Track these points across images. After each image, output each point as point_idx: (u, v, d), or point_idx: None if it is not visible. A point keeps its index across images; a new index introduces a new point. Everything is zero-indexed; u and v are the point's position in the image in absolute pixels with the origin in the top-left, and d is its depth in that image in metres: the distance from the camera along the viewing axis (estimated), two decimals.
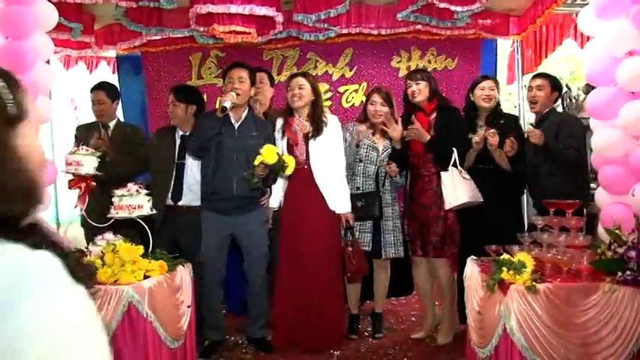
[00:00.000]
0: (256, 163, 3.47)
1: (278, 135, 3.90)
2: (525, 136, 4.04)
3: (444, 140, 3.82)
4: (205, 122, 3.69)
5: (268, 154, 3.45)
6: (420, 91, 3.93)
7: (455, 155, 3.78)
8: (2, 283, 0.71)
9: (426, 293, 4.15)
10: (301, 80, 3.89)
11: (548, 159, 3.81)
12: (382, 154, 4.04)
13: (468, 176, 3.79)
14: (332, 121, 3.97)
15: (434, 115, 3.95)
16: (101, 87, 4.38)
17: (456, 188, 3.74)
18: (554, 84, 4.03)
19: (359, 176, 4.02)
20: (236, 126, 3.72)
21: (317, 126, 3.86)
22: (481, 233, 3.43)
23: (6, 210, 0.80)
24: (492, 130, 3.81)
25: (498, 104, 4.08)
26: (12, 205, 0.81)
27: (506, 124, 3.99)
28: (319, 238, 3.83)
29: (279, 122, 3.96)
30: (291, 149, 3.86)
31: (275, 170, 3.54)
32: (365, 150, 4.01)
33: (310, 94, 3.88)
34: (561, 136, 3.79)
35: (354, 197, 3.96)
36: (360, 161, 4.01)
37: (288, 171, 3.58)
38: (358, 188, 4.00)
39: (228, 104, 3.48)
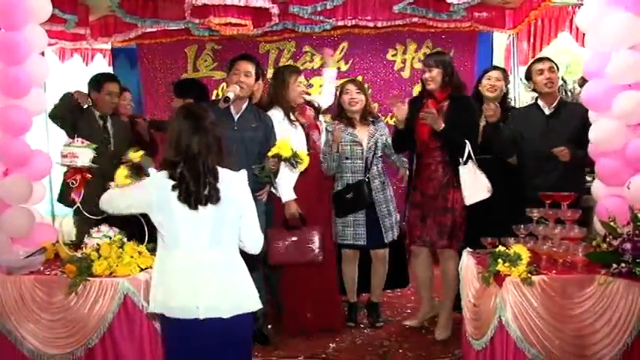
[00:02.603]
0: (270, 155, 3.46)
1: (282, 127, 3.85)
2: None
3: (456, 130, 3.69)
4: None
5: (284, 148, 3.45)
6: (432, 78, 3.79)
7: (468, 148, 3.65)
8: (230, 177, 2.29)
9: (424, 283, 4.11)
10: (302, 78, 4.10)
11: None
12: (369, 143, 4.02)
13: (478, 168, 3.71)
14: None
15: (445, 104, 3.80)
16: (117, 79, 4.38)
17: (476, 185, 3.65)
18: (557, 68, 3.93)
19: (347, 173, 4.02)
20: (235, 118, 3.69)
21: (317, 114, 4.13)
22: (486, 224, 3.41)
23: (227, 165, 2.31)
24: (492, 106, 3.71)
25: (506, 95, 4.03)
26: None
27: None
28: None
29: (280, 114, 3.90)
30: (307, 133, 3.93)
31: (288, 164, 3.57)
32: (349, 147, 3.99)
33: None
34: (587, 130, 3.37)
35: (342, 193, 3.99)
36: (347, 159, 3.99)
37: (301, 167, 3.58)
38: (348, 185, 3.99)
39: (231, 95, 3.45)
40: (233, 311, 2.22)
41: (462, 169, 3.67)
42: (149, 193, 2.27)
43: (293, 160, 3.50)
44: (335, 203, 4.02)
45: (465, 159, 3.66)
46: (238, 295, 2.26)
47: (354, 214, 3.99)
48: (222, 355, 2.26)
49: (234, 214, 2.27)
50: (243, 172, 2.35)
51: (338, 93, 4.20)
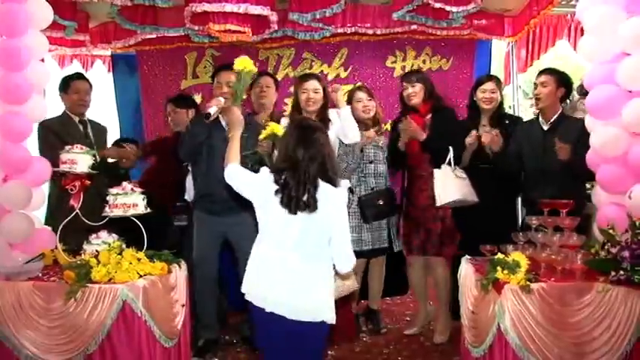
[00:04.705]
0: (262, 137, 3.35)
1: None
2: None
3: (440, 140, 3.83)
4: (195, 128, 3.68)
5: (276, 128, 3.33)
6: (415, 93, 3.97)
7: (450, 154, 3.80)
8: (328, 191, 2.37)
9: (420, 291, 4.20)
10: (317, 84, 3.92)
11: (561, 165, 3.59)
12: (385, 150, 4.08)
13: (463, 175, 3.81)
14: (334, 117, 3.96)
15: (428, 117, 3.96)
16: (86, 78, 4.27)
17: (447, 185, 3.76)
18: (561, 80, 3.77)
19: (371, 177, 4.02)
20: (226, 128, 3.69)
21: (325, 125, 3.77)
22: (477, 231, 3.43)
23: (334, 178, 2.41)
24: (496, 131, 3.81)
25: (501, 104, 4.06)
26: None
27: (510, 125, 3.97)
28: None
29: (284, 122, 3.88)
30: None
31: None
32: (372, 151, 4.02)
33: (322, 98, 3.91)
34: (581, 144, 3.37)
35: (371, 197, 3.96)
36: (370, 162, 4.01)
37: None
38: (372, 188, 3.99)
39: (212, 110, 3.38)
40: (297, 315, 2.35)
41: (435, 172, 3.83)
42: (256, 188, 2.49)
43: None
44: (364, 209, 3.94)
45: (446, 164, 3.81)
46: (307, 303, 2.36)
47: (381, 220, 4.00)
48: (287, 349, 2.41)
49: (322, 226, 2.39)
50: (343, 190, 2.47)
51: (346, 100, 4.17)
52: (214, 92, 3.72)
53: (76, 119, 4.12)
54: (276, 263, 2.39)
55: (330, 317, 2.41)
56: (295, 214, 2.36)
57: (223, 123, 3.63)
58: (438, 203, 3.80)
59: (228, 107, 3.14)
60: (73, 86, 4.09)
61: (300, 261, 2.37)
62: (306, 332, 2.37)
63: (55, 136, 3.82)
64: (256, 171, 3.18)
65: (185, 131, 3.87)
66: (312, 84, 3.92)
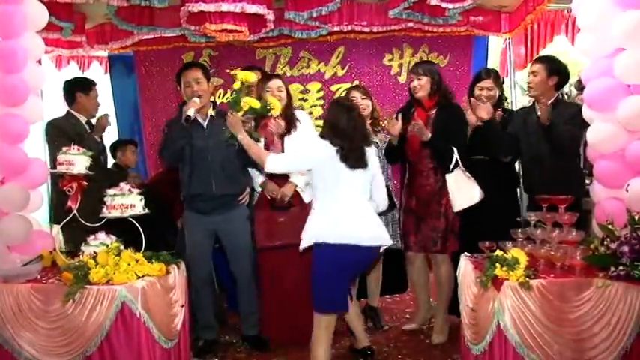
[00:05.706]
0: (242, 113, 3.31)
1: None
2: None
3: (444, 138, 3.75)
4: (174, 133, 3.67)
5: (251, 101, 3.34)
6: (421, 86, 3.86)
7: (456, 155, 3.71)
8: (370, 151, 3.25)
9: (421, 287, 4.16)
10: (279, 83, 3.94)
11: (551, 150, 3.65)
12: (382, 147, 4.06)
13: (468, 174, 3.75)
14: (302, 117, 4.00)
15: (433, 111, 3.88)
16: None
17: (462, 190, 3.70)
18: (552, 68, 3.76)
19: None
20: (204, 125, 3.69)
21: (291, 125, 3.89)
22: (477, 226, 3.42)
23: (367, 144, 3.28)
24: (487, 107, 3.77)
25: (501, 98, 4.04)
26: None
27: (509, 118, 3.97)
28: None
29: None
30: (267, 149, 3.78)
31: (262, 114, 3.49)
32: None
33: (286, 96, 3.92)
34: (573, 123, 3.52)
35: None
36: None
37: (275, 112, 3.48)
38: None
39: (191, 112, 3.40)
40: (377, 241, 3.10)
41: (448, 177, 3.75)
42: (313, 156, 3.13)
43: (265, 108, 3.39)
44: None
45: (452, 167, 3.72)
46: (380, 231, 3.13)
47: (384, 216, 3.93)
48: (354, 273, 3.39)
49: (371, 175, 3.18)
50: (374, 148, 3.29)
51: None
52: (185, 92, 3.71)
53: (83, 120, 4.20)
54: (353, 204, 3.06)
55: (390, 240, 3.21)
56: (352, 168, 3.05)
57: (200, 120, 3.65)
58: (457, 209, 3.74)
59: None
60: (95, 90, 4.29)
61: (367, 200, 3.16)
62: (373, 256, 3.20)
63: (65, 136, 3.87)
64: (242, 151, 3.32)
65: (164, 134, 3.86)
66: (276, 83, 3.93)
